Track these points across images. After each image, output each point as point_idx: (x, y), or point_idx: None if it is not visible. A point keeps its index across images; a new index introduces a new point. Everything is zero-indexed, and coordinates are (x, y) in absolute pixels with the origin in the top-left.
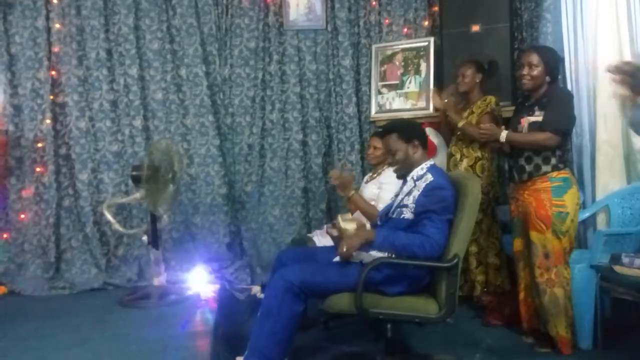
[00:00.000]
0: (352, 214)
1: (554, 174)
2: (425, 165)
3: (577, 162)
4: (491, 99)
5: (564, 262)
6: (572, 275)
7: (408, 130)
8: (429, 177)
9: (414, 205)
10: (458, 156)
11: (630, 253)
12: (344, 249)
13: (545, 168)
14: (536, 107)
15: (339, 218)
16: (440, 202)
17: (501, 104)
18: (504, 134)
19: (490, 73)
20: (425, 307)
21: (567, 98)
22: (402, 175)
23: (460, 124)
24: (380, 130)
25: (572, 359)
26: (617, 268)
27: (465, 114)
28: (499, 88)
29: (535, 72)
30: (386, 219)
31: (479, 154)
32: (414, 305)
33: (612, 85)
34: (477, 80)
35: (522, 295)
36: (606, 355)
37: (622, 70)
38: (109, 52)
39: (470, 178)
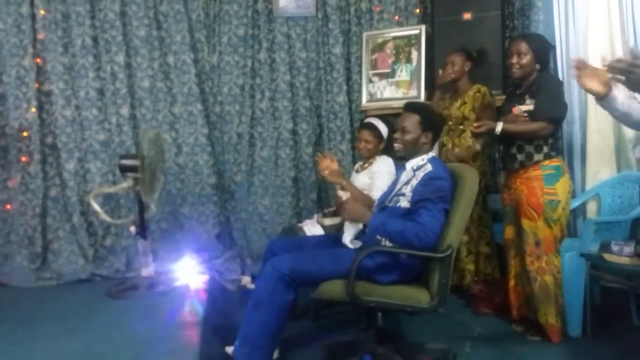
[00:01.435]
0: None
1: (546, 162)
2: (427, 156)
3: (567, 151)
4: (485, 90)
5: (555, 250)
6: (562, 264)
7: (431, 120)
8: (428, 167)
9: (411, 194)
10: (450, 146)
11: (620, 241)
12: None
13: (537, 157)
14: (527, 96)
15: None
16: (437, 192)
17: (493, 92)
18: (499, 127)
19: (480, 61)
20: (417, 296)
21: (557, 85)
22: (401, 157)
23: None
24: (367, 123)
25: (562, 346)
26: (607, 256)
27: (457, 104)
28: (490, 76)
29: (524, 61)
30: (382, 207)
31: (470, 143)
32: (406, 294)
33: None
34: (466, 69)
35: (512, 283)
36: (595, 343)
37: (614, 68)
38: (95, 39)
39: (468, 170)
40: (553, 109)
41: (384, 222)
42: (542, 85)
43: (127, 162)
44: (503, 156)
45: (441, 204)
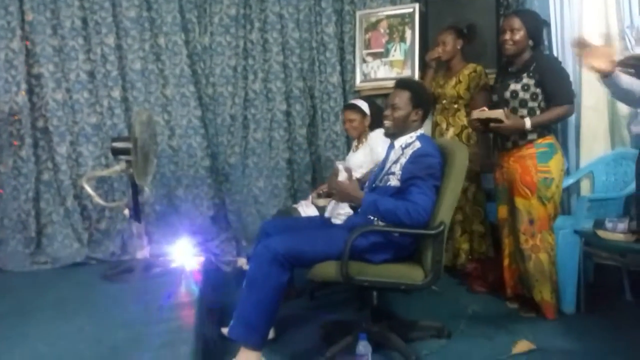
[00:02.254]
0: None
1: (539, 140)
2: (415, 133)
3: (561, 129)
4: (480, 69)
5: (549, 228)
6: (556, 241)
7: (422, 96)
8: (417, 145)
9: (400, 172)
10: (444, 125)
11: (614, 218)
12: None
13: (530, 136)
14: (524, 75)
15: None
16: (426, 169)
17: (487, 71)
18: (528, 123)
19: (470, 37)
20: (410, 274)
21: (560, 65)
22: (390, 134)
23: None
24: (351, 104)
25: (555, 322)
26: (601, 233)
27: (452, 82)
28: (484, 55)
29: (517, 37)
30: (373, 187)
31: (464, 122)
32: (399, 272)
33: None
34: (458, 47)
35: (506, 262)
36: (589, 319)
37: (628, 64)
38: (84, 21)
39: (458, 146)
40: (569, 91)
41: (375, 201)
42: (547, 67)
43: (119, 144)
44: (496, 136)
45: (431, 181)
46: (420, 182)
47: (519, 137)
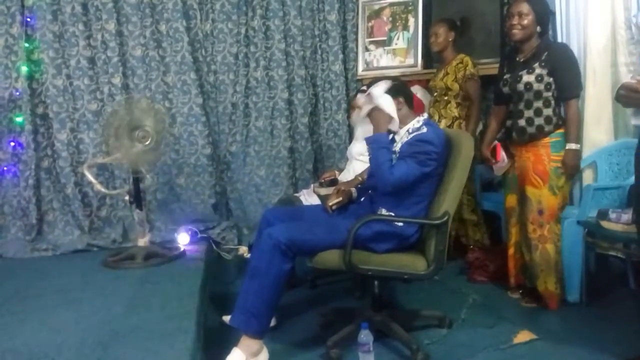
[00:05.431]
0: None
1: (554, 130)
2: (421, 117)
3: None
4: (467, 60)
5: (557, 218)
6: (561, 231)
7: (393, 87)
8: (423, 130)
9: (399, 151)
10: (436, 117)
11: (618, 209)
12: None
13: (547, 128)
14: (536, 65)
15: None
16: (420, 154)
17: (489, 60)
18: (573, 145)
19: (463, 30)
20: (413, 263)
21: (572, 56)
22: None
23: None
24: (363, 89)
25: (558, 313)
26: (604, 223)
27: (441, 74)
28: (487, 44)
29: (525, 21)
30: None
31: (456, 113)
32: (402, 262)
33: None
34: (450, 39)
35: (511, 251)
36: (591, 309)
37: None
38: (85, 6)
39: (464, 136)
40: (578, 84)
41: (385, 149)
42: (559, 57)
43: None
44: (510, 128)
45: (419, 164)
46: (409, 160)
47: (537, 131)
